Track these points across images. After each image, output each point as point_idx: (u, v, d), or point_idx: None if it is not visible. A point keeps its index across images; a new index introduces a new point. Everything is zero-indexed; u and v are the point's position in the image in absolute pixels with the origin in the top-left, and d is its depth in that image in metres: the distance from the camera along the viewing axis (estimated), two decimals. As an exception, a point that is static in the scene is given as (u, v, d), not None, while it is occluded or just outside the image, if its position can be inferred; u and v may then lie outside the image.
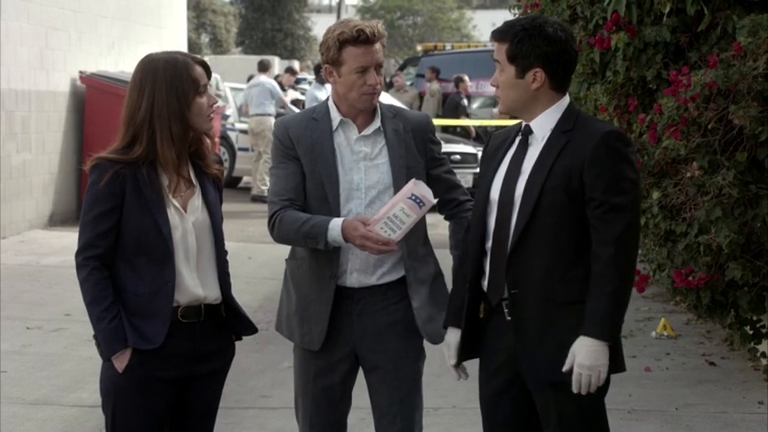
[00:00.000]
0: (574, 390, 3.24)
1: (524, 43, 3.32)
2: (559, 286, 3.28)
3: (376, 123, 3.73)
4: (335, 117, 3.73)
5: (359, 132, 3.72)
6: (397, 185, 3.65)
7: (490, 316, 3.43)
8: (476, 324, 3.46)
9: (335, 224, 3.56)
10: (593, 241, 3.26)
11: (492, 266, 3.38)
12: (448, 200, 3.80)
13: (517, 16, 7.50)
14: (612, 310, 3.24)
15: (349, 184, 3.68)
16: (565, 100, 3.41)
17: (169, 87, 3.32)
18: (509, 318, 3.35)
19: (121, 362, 3.30)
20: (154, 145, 3.32)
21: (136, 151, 3.32)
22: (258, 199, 15.01)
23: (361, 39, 3.60)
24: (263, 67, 16.36)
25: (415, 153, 3.73)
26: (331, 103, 3.76)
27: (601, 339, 3.22)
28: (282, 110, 15.51)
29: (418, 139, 3.75)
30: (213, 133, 3.50)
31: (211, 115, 3.42)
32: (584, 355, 3.21)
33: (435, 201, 3.58)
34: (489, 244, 3.39)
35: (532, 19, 3.40)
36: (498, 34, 3.38)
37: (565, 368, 3.24)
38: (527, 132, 3.40)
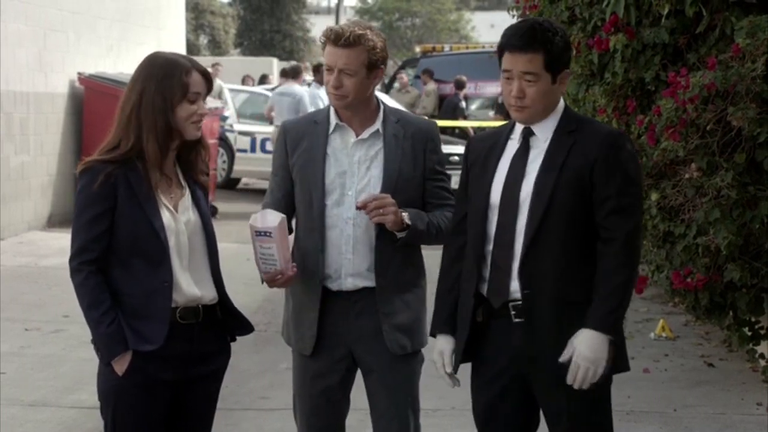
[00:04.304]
0: (568, 381, 3.22)
1: (564, 49, 3.29)
2: (571, 285, 3.27)
3: (376, 125, 3.73)
4: (333, 121, 3.74)
5: (356, 136, 3.73)
6: (387, 189, 3.64)
7: (489, 321, 3.40)
8: (474, 329, 3.44)
9: None
10: (601, 239, 3.27)
11: (494, 270, 3.35)
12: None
13: (515, 17, 7.51)
14: (617, 305, 3.24)
15: (341, 188, 3.68)
16: (562, 101, 3.41)
17: (158, 84, 3.30)
18: (518, 320, 3.32)
19: (121, 365, 3.29)
20: (140, 140, 3.31)
21: (123, 147, 3.30)
22: None
23: (330, 39, 3.65)
24: (295, 74, 14.77)
25: (411, 159, 3.71)
26: (331, 107, 3.78)
27: (604, 332, 3.22)
28: None
29: (417, 146, 3.73)
30: (206, 142, 3.49)
31: (199, 125, 3.38)
32: (586, 346, 3.20)
33: (281, 217, 3.55)
34: (489, 247, 3.36)
35: (545, 22, 3.31)
36: (527, 45, 3.24)
37: (562, 358, 3.22)
38: (528, 134, 3.37)
